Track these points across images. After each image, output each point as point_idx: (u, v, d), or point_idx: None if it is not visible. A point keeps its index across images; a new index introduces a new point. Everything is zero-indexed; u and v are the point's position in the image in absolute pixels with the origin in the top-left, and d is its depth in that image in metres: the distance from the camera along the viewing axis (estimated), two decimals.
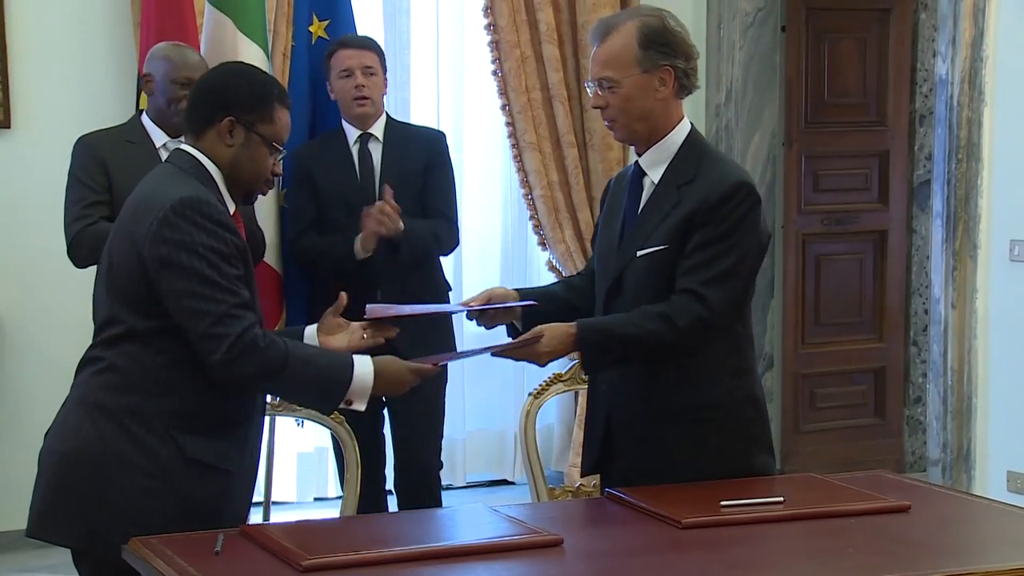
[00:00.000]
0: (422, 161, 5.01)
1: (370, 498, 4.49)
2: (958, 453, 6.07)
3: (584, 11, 6.59)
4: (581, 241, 6.72)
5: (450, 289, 5.21)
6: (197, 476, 3.13)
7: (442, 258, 5.66)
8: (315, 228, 4.94)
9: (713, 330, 3.40)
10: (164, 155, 4.58)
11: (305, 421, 3.86)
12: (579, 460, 6.64)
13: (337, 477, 5.18)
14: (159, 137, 4.60)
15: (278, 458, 5.36)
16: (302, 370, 3.14)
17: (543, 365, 3.48)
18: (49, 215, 4.71)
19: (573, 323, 3.43)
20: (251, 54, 5.11)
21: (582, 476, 3.82)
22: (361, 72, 4.91)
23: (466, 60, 6.79)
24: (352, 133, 4.99)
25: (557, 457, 6.91)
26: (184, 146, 3.27)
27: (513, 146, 6.61)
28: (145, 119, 4.65)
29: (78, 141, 4.61)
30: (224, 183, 3.24)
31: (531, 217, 6.72)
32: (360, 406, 3.19)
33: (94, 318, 3.27)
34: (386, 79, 5.09)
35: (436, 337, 4.96)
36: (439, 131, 5.43)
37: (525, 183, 6.65)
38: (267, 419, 4.87)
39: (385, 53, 5.12)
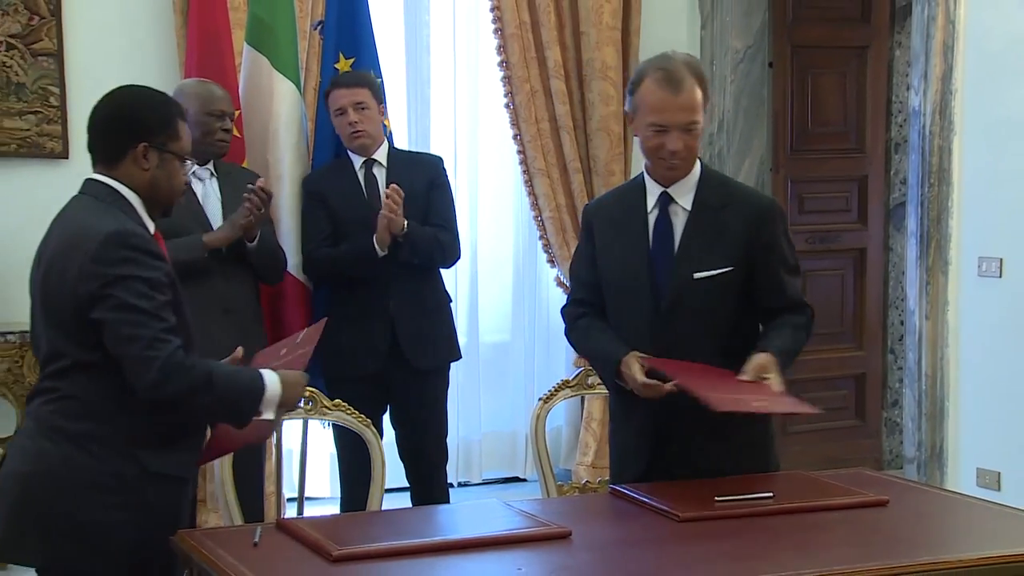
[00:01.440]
0: (424, 183, 4.96)
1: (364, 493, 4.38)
2: (932, 452, 6.06)
3: (588, 49, 6.59)
4: None
5: (451, 300, 5.17)
6: (160, 488, 3.04)
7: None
8: (331, 243, 4.91)
9: None
10: (194, 182, 4.59)
11: (332, 424, 3.86)
12: (585, 459, 6.69)
13: (339, 476, 5.11)
14: (187, 164, 4.60)
15: (310, 458, 5.36)
16: (225, 385, 3.01)
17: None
18: None
19: (770, 354, 3.39)
20: (284, 89, 5.12)
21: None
22: (353, 109, 4.86)
23: (481, 94, 6.80)
24: (357, 160, 4.95)
25: (565, 456, 6.91)
26: (98, 176, 3.13)
27: (524, 172, 6.62)
28: None
29: None
30: (142, 207, 3.12)
31: (540, 237, 6.73)
32: (269, 415, 3.06)
33: (36, 351, 3.16)
34: (383, 108, 5.03)
35: (439, 336, 4.97)
36: (437, 156, 5.38)
37: (535, 206, 6.66)
38: (300, 422, 4.91)
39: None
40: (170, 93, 4.94)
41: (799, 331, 3.52)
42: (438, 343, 5.00)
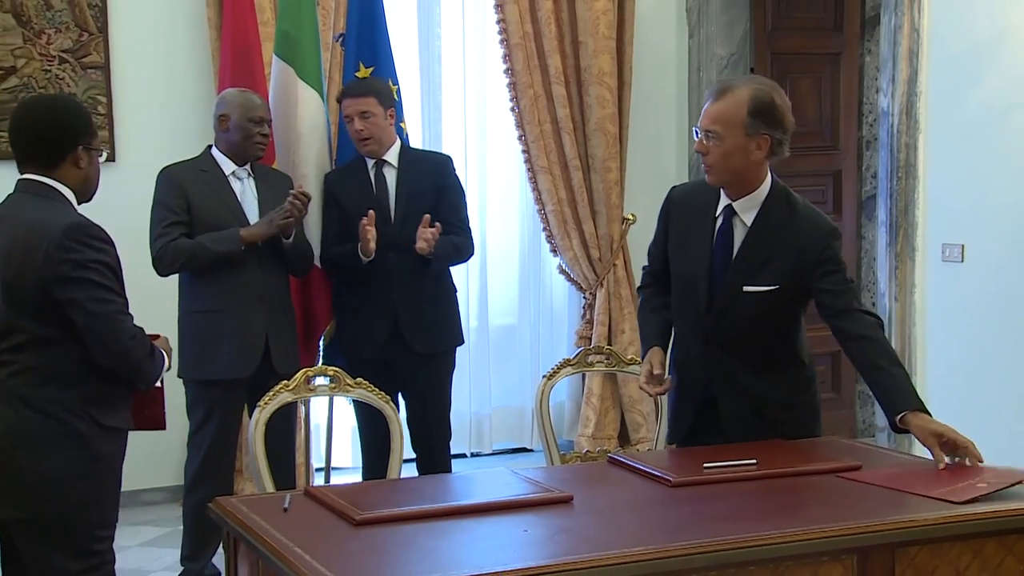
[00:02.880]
0: (431, 181, 4.88)
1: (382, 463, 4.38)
2: None
3: (586, 57, 6.58)
4: (586, 248, 6.71)
5: (456, 291, 5.09)
6: (111, 439, 3.20)
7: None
8: (339, 240, 4.85)
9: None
10: (233, 182, 4.58)
11: (355, 400, 3.86)
12: (586, 431, 6.69)
13: (360, 447, 5.09)
14: (228, 166, 4.62)
15: (336, 431, 5.37)
16: (156, 354, 3.25)
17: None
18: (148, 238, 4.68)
19: (919, 413, 3.30)
20: (308, 97, 5.11)
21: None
22: (359, 117, 4.78)
23: (488, 98, 6.78)
24: (369, 161, 4.87)
25: (568, 428, 6.91)
26: (35, 176, 3.19)
27: (528, 169, 6.62)
28: (215, 151, 4.65)
29: (161, 172, 4.61)
30: (75, 200, 3.22)
31: (544, 228, 6.72)
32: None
33: None
34: (391, 112, 4.89)
35: (441, 324, 4.93)
36: (446, 155, 5.28)
37: (539, 200, 6.66)
38: (326, 399, 4.91)
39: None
40: (211, 100, 5.01)
41: (894, 361, 3.40)
42: (440, 329, 4.92)
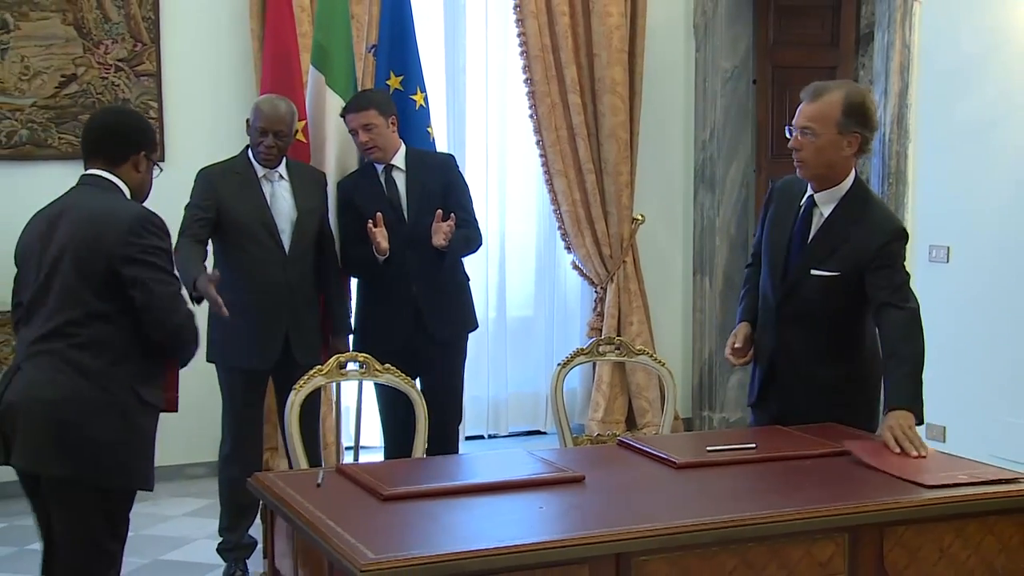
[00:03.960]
0: (439, 180, 4.81)
1: (404, 443, 4.40)
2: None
3: (600, 68, 6.57)
4: (598, 246, 6.70)
5: (468, 279, 5.01)
6: (147, 414, 3.25)
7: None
8: (358, 242, 4.74)
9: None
10: (264, 184, 4.51)
11: (378, 385, 3.86)
12: (596, 415, 6.69)
13: (382, 429, 5.04)
14: (260, 168, 4.51)
15: (365, 412, 5.36)
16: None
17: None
18: None
19: (897, 412, 3.25)
20: (336, 104, 5.07)
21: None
22: (362, 130, 4.68)
23: (509, 106, 6.77)
24: (378, 167, 4.78)
25: (580, 412, 6.89)
26: (100, 172, 3.34)
27: (545, 172, 6.61)
28: (249, 153, 4.55)
29: (199, 172, 4.54)
30: (131, 198, 3.35)
31: (559, 227, 6.71)
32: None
33: (25, 305, 3.26)
34: (392, 120, 4.75)
35: (458, 311, 4.88)
36: (449, 154, 5.21)
37: (554, 201, 6.65)
38: (356, 383, 4.89)
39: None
40: (248, 105, 4.97)
41: (914, 352, 3.36)
42: (458, 317, 4.89)
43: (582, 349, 4.08)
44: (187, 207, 4.49)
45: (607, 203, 6.69)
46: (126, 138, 3.35)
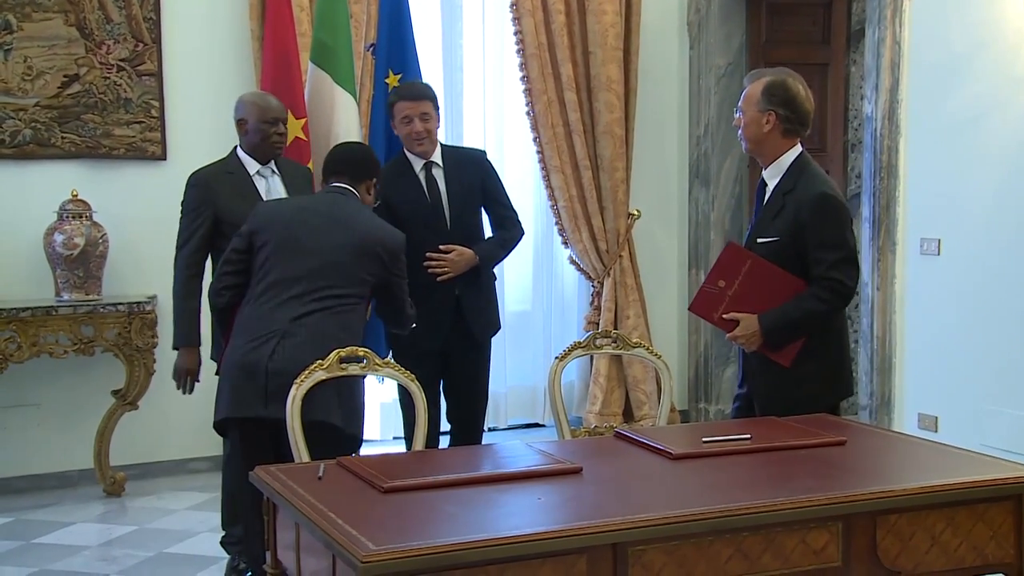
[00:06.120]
0: (477, 177, 4.77)
1: (429, 436, 4.44)
2: (882, 400, 6.03)
3: (595, 66, 6.57)
4: (594, 241, 6.70)
5: (495, 279, 5.04)
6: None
7: None
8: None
9: (852, 295, 3.68)
10: (258, 180, 4.48)
11: (385, 379, 3.86)
12: (594, 408, 6.69)
13: (403, 423, 5.04)
14: (252, 166, 4.45)
15: (366, 406, 5.35)
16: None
17: (742, 346, 3.77)
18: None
19: (756, 317, 3.69)
20: (344, 100, 5.09)
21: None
22: (419, 119, 4.63)
23: (506, 103, 6.77)
24: (417, 162, 4.71)
25: (577, 405, 6.90)
26: (347, 187, 4.00)
27: (542, 168, 6.61)
28: (240, 152, 4.49)
29: (191, 177, 4.44)
30: None
31: (556, 223, 6.72)
32: None
33: (295, 283, 3.76)
34: (439, 115, 4.77)
35: (492, 311, 4.86)
36: (482, 150, 5.18)
37: (552, 197, 6.65)
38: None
39: (439, 97, 4.89)
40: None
41: (802, 303, 3.66)
42: (492, 317, 4.87)
43: (579, 342, 4.06)
44: (183, 216, 4.39)
45: (603, 199, 6.70)
46: (367, 166, 4.06)
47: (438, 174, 4.72)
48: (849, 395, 3.89)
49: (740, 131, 3.82)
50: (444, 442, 5.01)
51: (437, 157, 4.73)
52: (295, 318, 3.73)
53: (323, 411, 3.60)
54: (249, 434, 3.80)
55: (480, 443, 4.94)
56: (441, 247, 4.62)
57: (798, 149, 3.76)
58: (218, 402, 3.85)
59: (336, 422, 3.65)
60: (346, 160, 4.06)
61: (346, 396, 3.70)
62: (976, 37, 5.47)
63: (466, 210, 4.70)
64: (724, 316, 3.75)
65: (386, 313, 4.11)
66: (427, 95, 4.72)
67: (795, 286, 3.67)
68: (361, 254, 3.84)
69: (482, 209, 4.84)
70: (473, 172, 4.78)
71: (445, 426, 4.98)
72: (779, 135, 3.73)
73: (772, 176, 3.78)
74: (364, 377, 3.73)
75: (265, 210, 3.99)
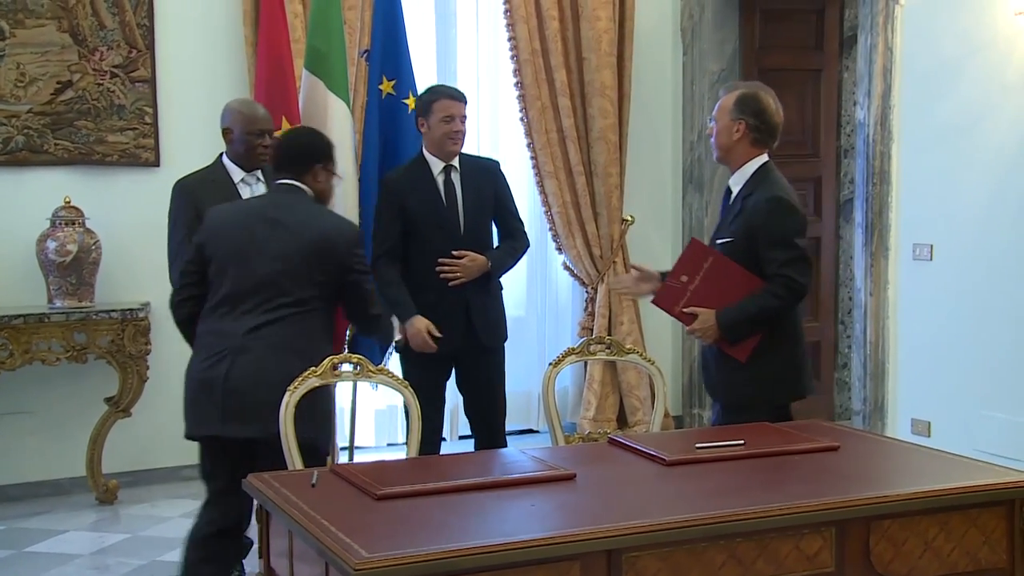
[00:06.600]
0: (492, 186, 4.79)
1: (431, 441, 4.51)
2: (875, 405, 6.04)
3: (589, 72, 6.57)
4: (588, 247, 6.70)
5: (502, 288, 5.00)
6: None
7: None
8: (401, 240, 4.65)
9: (805, 293, 3.85)
10: (242, 188, 4.42)
11: (379, 386, 3.86)
12: (588, 414, 6.70)
13: (405, 427, 5.06)
14: (237, 173, 4.41)
15: (359, 413, 5.36)
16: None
17: (700, 339, 3.96)
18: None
19: (714, 312, 3.84)
20: (337, 107, 5.09)
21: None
22: (460, 120, 4.64)
23: (500, 109, 6.77)
24: (436, 165, 4.67)
25: (571, 411, 6.90)
26: (292, 181, 3.80)
27: (536, 174, 6.61)
28: (225, 160, 4.45)
29: (176, 185, 4.40)
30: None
31: (550, 228, 6.72)
32: None
33: (248, 295, 3.67)
34: None
35: (501, 319, 4.87)
36: (496, 160, 5.12)
37: (545, 202, 6.65)
38: (351, 384, 4.88)
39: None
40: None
41: (757, 299, 3.80)
42: (501, 325, 4.87)
43: (573, 348, 4.07)
44: (171, 228, 4.34)
45: (597, 204, 6.70)
46: (296, 153, 3.84)
47: (456, 179, 4.71)
48: (802, 396, 3.98)
49: (712, 139, 3.98)
50: (446, 448, 5.01)
51: (455, 162, 4.72)
52: (249, 331, 3.65)
53: (264, 425, 3.51)
54: (213, 451, 3.77)
55: (505, 446, 4.89)
56: (454, 252, 4.62)
57: (764, 158, 3.93)
58: (184, 416, 3.83)
59: (306, 434, 3.50)
60: (286, 155, 3.89)
61: (305, 406, 3.48)
62: (967, 44, 5.49)
63: (479, 217, 4.71)
64: (685, 310, 3.90)
65: (353, 314, 3.94)
66: (466, 99, 4.76)
67: (753, 283, 3.81)
68: (310, 255, 3.70)
69: (492, 218, 4.85)
70: (488, 181, 4.79)
71: (447, 432, 4.99)
72: (748, 144, 3.91)
73: (736, 182, 3.95)
74: (333, 386, 3.66)
75: (211, 220, 3.85)
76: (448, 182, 4.69)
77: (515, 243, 4.86)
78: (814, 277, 7.25)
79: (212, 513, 3.82)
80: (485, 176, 4.79)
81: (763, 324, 3.81)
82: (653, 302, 4.10)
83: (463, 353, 4.73)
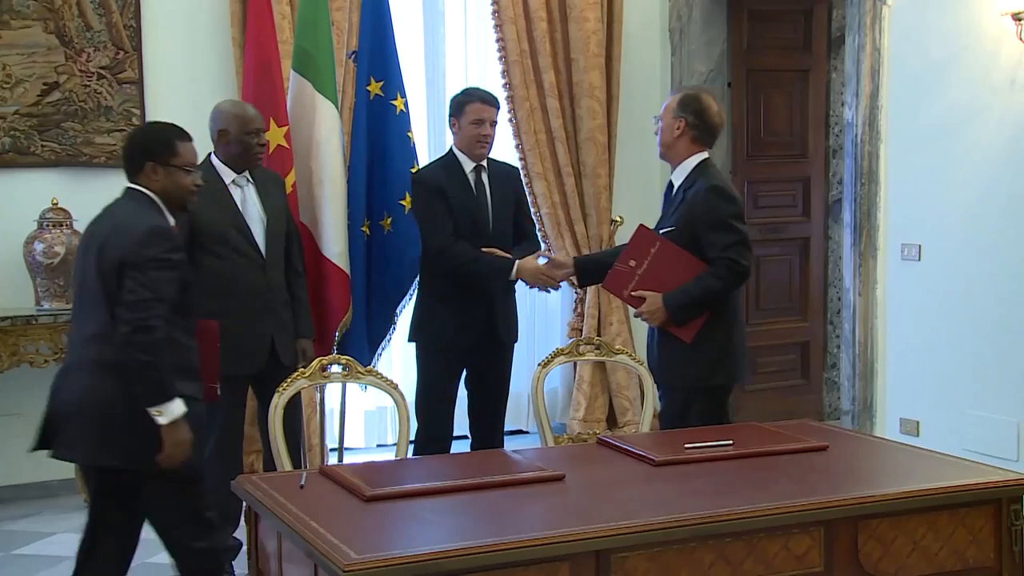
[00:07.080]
0: (513, 189, 4.97)
1: (439, 441, 4.69)
2: (863, 405, 6.05)
3: (578, 72, 6.57)
4: (578, 248, 6.70)
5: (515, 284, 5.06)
6: (189, 407, 3.30)
7: None
8: (452, 235, 4.72)
9: (747, 275, 3.98)
10: (233, 189, 4.44)
11: (368, 387, 3.85)
12: (577, 415, 6.70)
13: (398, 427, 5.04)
14: (228, 175, 4.44)
15: (349, 414, 5.35)
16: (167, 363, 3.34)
17: (647, 322, 4.06)
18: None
19: (661, 295, 3.97)
20: (325, 109, 5.07)
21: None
22: (490, 124, 4.79)
23: None
24: (468, 163, 4.79)
25: (561, 412, 6.90)
26: (132, 185, 3.47)
27: (525, 175, 6.60)
28: (214, 160, 4.46)
29: None
30: (164, 206, 3.46)
31: (539, 229, 6.70)
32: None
33: (73, 318, 3.54)
34: None
35: (515, 317, 4.95)
36: (516, 166, 5.30)
37: (534, 203, 6.64)
38: (340, 385, 4.88)
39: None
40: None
41: (701, 281, 3.94)
42: (516, 323, 4.96)
43: (562, 349, 4.09)
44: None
45: (586, 205, 6.70)
46: (128, 153, 3.51)
47: (485, 179, 4.85)
48: (738, 381, 4.14)
49: (657, 137, 4.16)
50: (457, 446, 5.04)
51: (484, 162, 4.87)
52: (72, 353, 3.57)
53: (95, 454, 3.42)
54: (87, 475, 3.71)
55: (502, 445, 4.98)
56: (483, 248, 4.72)
57: (704, 155, 4.11)
58: None
59: (123, 463, 3.37)
60: (121, 156, 3.59)
61: (125, 423, 3.29)
62: (955, 45, 5.51)
63: (504, 217, 4.84)
64: (633, 293, 4.03)
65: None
66: (499, 104, 4.92)
67: (699, 268, 3.94)
68: (100, 267, 3.36)
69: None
70: (511, 185, 4.98)
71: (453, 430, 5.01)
72: (688, 140, 4.09)
73: (678, 177, 4.12)
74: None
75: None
76: (479, 181, 4.83)
77: (533, 245, 5.00)
78: (803, 279, 7.33)
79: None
80: (508, 180, 4.98)
81: (708, 305, 3.94)
82: (603, 286, 4.25)
83: (479, 348, 4.80)
